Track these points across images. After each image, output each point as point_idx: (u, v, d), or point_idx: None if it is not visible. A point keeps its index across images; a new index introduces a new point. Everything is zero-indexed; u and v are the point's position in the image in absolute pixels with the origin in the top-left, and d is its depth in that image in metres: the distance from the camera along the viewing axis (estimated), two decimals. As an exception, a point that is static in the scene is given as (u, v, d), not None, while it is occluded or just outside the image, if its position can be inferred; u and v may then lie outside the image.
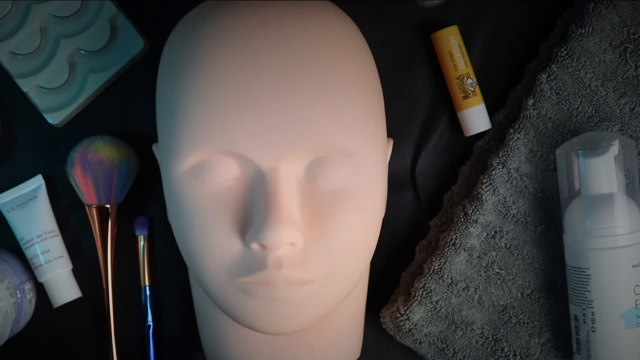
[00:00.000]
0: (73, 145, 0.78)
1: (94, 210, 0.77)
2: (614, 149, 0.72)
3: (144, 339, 0.79)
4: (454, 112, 0.79)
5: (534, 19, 0.79)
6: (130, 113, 0.79)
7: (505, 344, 0.76)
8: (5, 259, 0.77)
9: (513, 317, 0.76)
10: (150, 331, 0.79)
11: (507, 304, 0.76)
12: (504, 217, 0.76)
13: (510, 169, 0.76)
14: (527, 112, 0.76)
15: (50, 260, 0.77)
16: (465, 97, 0.77)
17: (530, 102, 0.76)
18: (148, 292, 0.79)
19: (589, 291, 0.72)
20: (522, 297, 0.76)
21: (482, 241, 0.76)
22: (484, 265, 0.76)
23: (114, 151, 0.77)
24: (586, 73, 0.75)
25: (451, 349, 0.76)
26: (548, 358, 0.76)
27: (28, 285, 0.77)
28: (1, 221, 0.79)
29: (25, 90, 0.77)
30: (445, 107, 0.79)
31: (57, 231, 0.78)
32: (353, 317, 0.73)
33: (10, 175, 0.79)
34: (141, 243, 0.79)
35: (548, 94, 0.75)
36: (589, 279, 0.72)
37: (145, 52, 0.79)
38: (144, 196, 0.80)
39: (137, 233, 0.79)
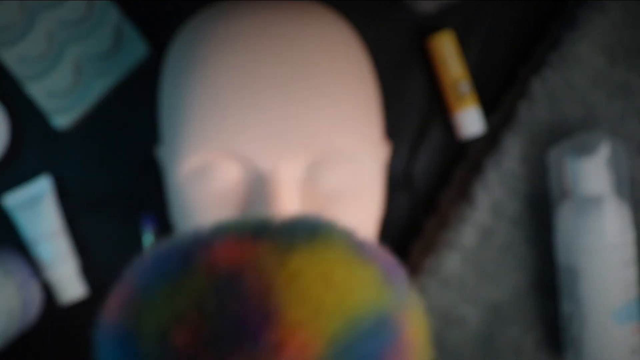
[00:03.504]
0: (79, 146, 0.79)
1: None
2: (605, 151, 0.72)
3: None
4: (449, 115, 0.79)
5: (527, 24, 0.79)
6: (135, 115, 0.80)
7: (498, 341, 0.77)
8: (13, 258, 0.77)
9: (506, 315, 0.77)
10: None
11: (500, 302, 0.77)
12: (497, 217, 0.76)
13: (503, 171, 0.76)
14: (521, 115, 0.76)
15: (57, 259, 0.78)
16: (460, 100, 0.78)
17: (524, 105, 0.76)
18: None
19: (580, 289, 0.73)
20: (515, 296, 0.77)
21: (476, 240, 0.77)
22: (478, 264, 0.77)
23: None
24: (578, 77, 0.76)
25: (446, 346, 0.77)
26: (540, 354, 0.77)
27: (35, 284, 0.78)
28: (9, 220, 0.80)
29: (32, 93, 0.78)
30: (440, 110, 0.80)
31: (63, 230, 0.79)
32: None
33: (18, 175, 0.80)
34: (148, 239, 0.79)
35: (541, 98, 0.76)
36: (580, 277, 0.72)
37: (149, 57, 0.80)
38: (146, 197, 0.81)
39: (144, 229, 0.79)
